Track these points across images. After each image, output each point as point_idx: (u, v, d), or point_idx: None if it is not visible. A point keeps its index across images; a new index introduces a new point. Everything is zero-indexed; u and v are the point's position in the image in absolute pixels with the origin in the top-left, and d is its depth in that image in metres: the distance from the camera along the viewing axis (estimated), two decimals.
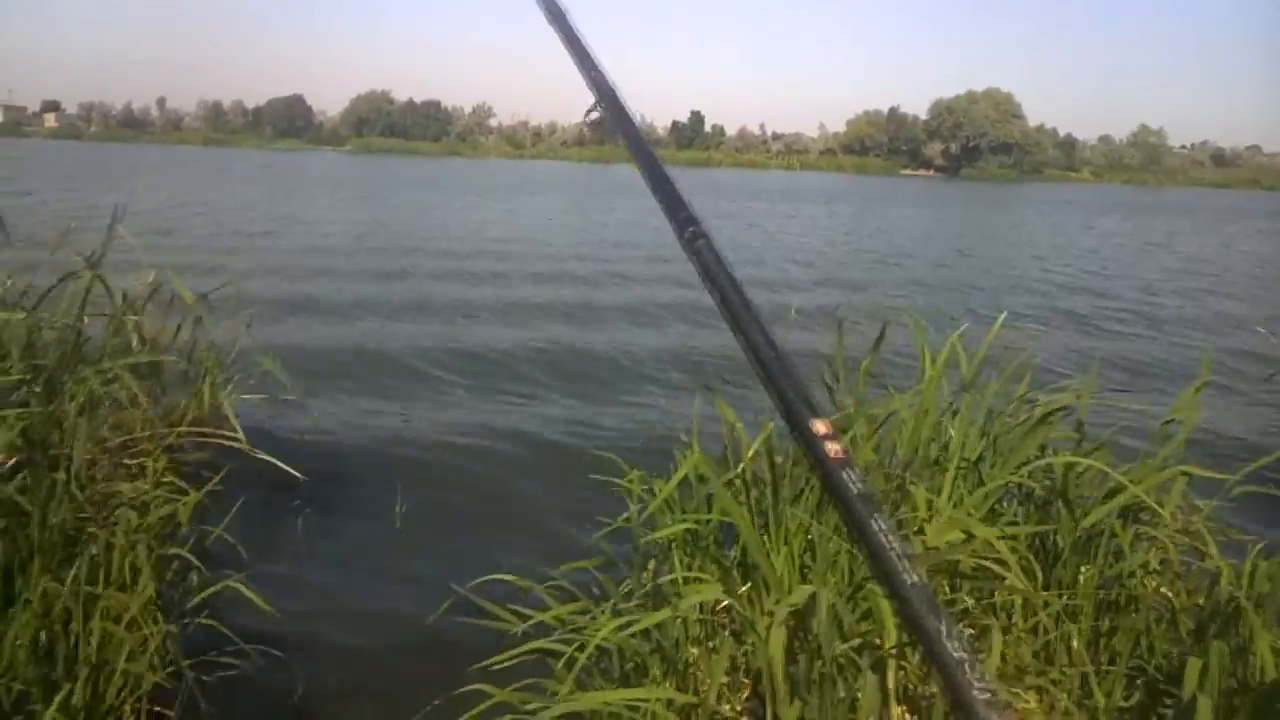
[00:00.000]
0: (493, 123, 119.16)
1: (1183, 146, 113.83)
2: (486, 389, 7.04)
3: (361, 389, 6.82)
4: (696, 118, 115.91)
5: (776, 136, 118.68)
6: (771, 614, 2.02)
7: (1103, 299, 13.86)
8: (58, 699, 2.43)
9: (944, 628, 0.60)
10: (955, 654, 0.59)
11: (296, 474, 3.72)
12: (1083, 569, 2.88)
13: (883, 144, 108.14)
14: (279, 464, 3.61)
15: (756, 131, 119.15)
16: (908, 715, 2.24)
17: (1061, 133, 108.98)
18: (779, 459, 2.75)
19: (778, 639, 1.85)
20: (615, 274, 14.47)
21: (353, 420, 5.99)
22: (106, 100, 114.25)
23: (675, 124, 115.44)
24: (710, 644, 2.42)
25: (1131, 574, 2.75)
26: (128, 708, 2.68)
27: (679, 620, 2.44)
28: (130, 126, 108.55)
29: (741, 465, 2.79)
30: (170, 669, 2.70)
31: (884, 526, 0.64)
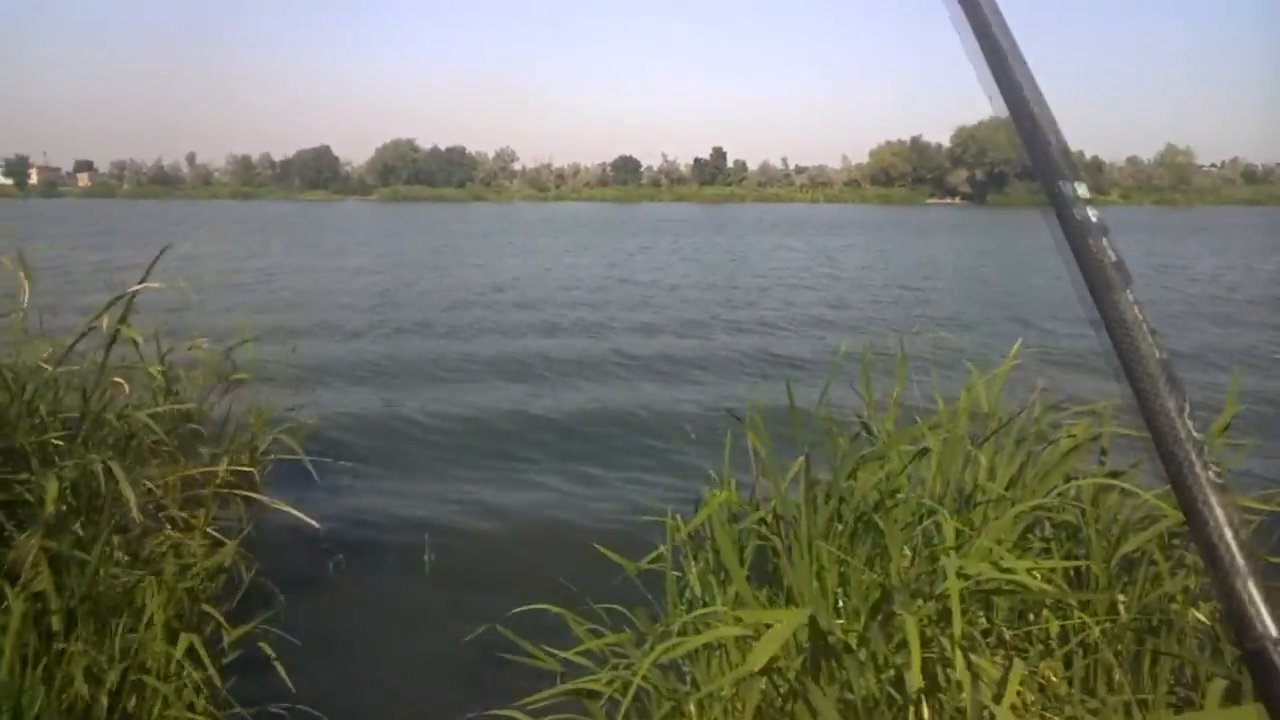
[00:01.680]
0: (516, 166, 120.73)
1: (1212, 164, 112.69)
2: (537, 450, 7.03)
3: (402, 454, 6.81)
4: (718, 153, 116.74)
5: (800, 169, 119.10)
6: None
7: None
8: None
9: (1185, 405, 0.57)
10: (1193, 433, 0.57)
11: (316, 524, 3.77)
12: (1121, 596, 2.86)
13: (907, 174, 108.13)
14: (307, 519, 3.67)
15: (779, 165, 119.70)
16: None
17: (1088, 155, 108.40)
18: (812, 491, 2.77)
19: (762, 651, 1.84)
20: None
21: (385, 480, 6.03)
22: (137, 158, 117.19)
23: (697, 160, 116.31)
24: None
25: (1171, 599, 2.72)
26: None
27: (713, 655, 2.46)
28: (161, 183, 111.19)
29: (773, 501, 2.81)
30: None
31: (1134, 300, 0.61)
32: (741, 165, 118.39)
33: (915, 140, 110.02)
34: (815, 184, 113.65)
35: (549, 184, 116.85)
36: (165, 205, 75.22)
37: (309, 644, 3.27)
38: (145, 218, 49.81)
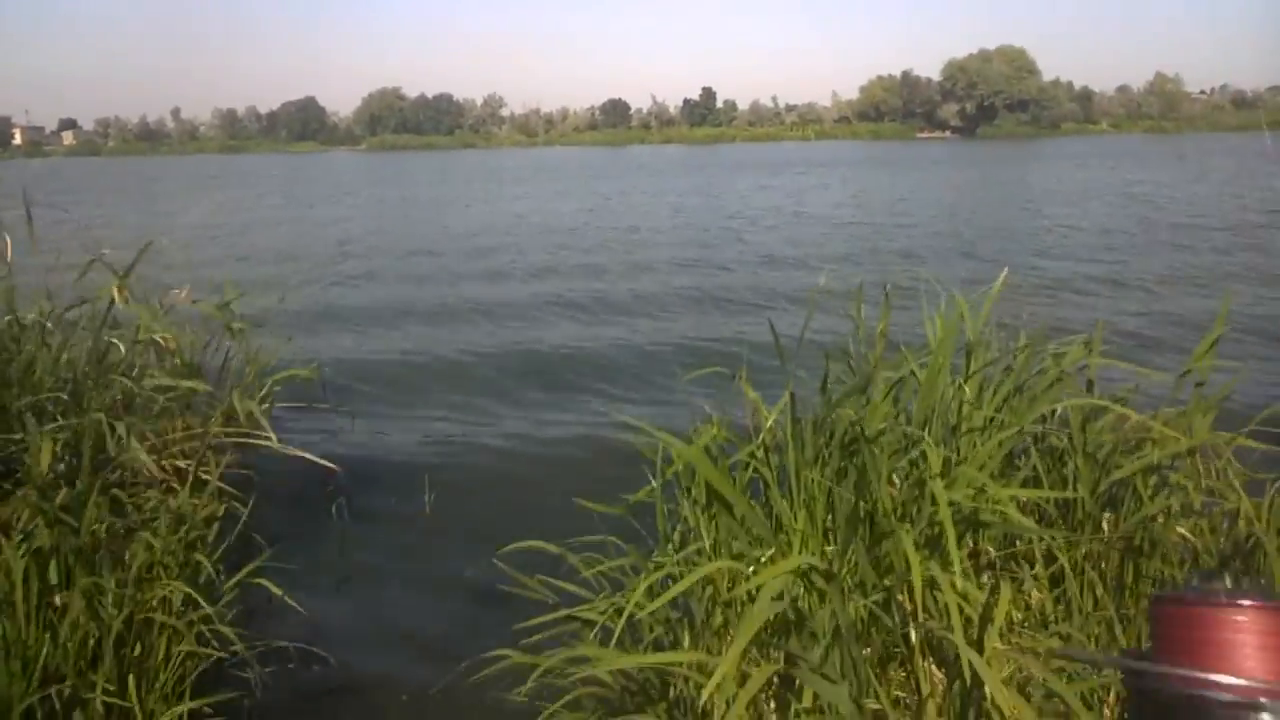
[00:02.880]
0: (504, 112, 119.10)
1: (1202, 92, 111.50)
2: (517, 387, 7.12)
3: (398, 393, 6.90)
4: (708, 94, 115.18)
5: (790, 108, 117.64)
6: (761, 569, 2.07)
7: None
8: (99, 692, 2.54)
9: None
10: None
11: (331, 466, 3.82)
12: (1105, 516, 2.91)
13: (897, 108, 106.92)
14: (311, 458, 3.71)
15: (769, 104, 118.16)
16: (933, 668, 2.29)
17: (1078, 85, 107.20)
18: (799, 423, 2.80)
19: (765, 598, 1.88)
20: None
21: (383, 418, 6.11)
22: (122, 114, 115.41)
23: (687, 101, 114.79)
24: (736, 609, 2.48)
25: (1153, 519, 2.77)
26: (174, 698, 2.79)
27: (706, 590, 2.51)
28: (147, 139, 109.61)
29: (762, 433, 2.85)
30: (214, 657, 2.81)
31: None
32: (731, 105, 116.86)
33: (905, 74, 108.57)
34: (805, 121, 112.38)
35: (538, 129, 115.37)
36: (151, 161, 74.18)
37: (311, 583, 3.34)
38: (130, 175, 49.14)
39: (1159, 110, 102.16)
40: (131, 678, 2.60)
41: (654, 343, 8.43)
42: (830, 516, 2.76)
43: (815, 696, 2.04)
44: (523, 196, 29.29)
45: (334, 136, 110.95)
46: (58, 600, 2.75)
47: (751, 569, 2.49)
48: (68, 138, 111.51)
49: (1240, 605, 0.67)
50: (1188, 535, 2.71)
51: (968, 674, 1.91)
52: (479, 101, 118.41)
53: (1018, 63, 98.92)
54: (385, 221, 22.41)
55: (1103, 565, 2.86)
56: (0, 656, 2.51)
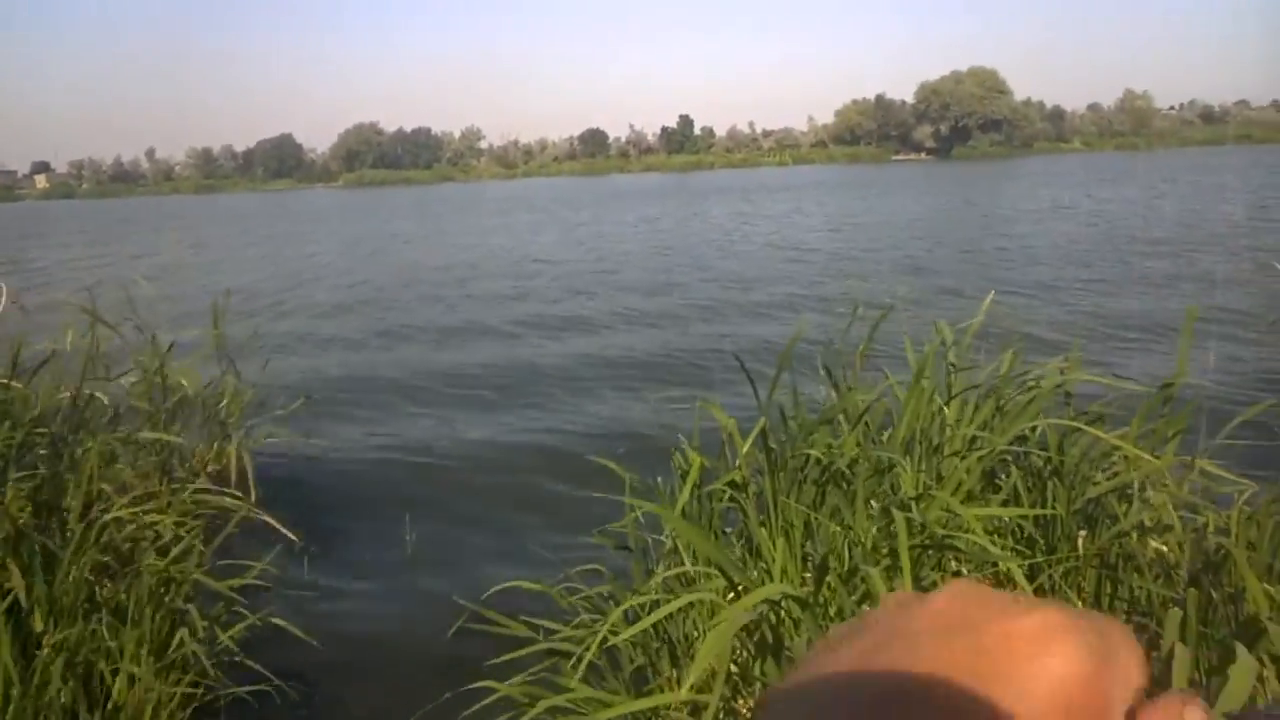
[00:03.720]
0: (483, 145, 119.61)
1: (1171, 107, 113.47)
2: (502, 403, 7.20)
3: (377, 413, 6.96)
4: (685, 121, 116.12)
5: (767, 133, 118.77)
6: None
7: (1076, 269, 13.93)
8: None
9: None
10: None
11: (295, 538, 3.80)
12: (1081, 534, 2.94)
13: (873, 131, 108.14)
14: (279, 526, 3.70)
15: (746, 130, 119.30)
16: None
17: (1049, 104, 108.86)
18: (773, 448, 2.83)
19: (727, 627, 1.88)
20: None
21: (363, 440, 6.17)
22: (96, 156, 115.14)
23: (665, 129, 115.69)
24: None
25: (1126, 535, 2.80)
26: None
27: (687, 617, 2.51)
28: (122, 180, 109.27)
29: (739, 461, 2.86)
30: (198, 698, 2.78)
31: None
32: (709, 132, 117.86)
33: (879, 98, 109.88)
34: (783, 147, 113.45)
35: (517, 161, 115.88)
36: (127, 203, 73.89)
37: (294, 619, 3.32)
38: (104, 217, 48.90)
39: (1130, 127, 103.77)
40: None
41: (628, 358, 8.57)
42: (807, 544, 2.78)
43: None
44: (497, 229, 29.41)
45: (311, 173, 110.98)
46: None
47: (730, 596, 2.50)
48: (41, 180, 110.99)
49: None
50: (1162, 549, 2.74)
51: None
52: (457, 134, 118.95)
53: (989, 83, 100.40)
54: (356, 257, 22.45)
55: (1080, 582, 2.89)
56: None
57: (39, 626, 2.78)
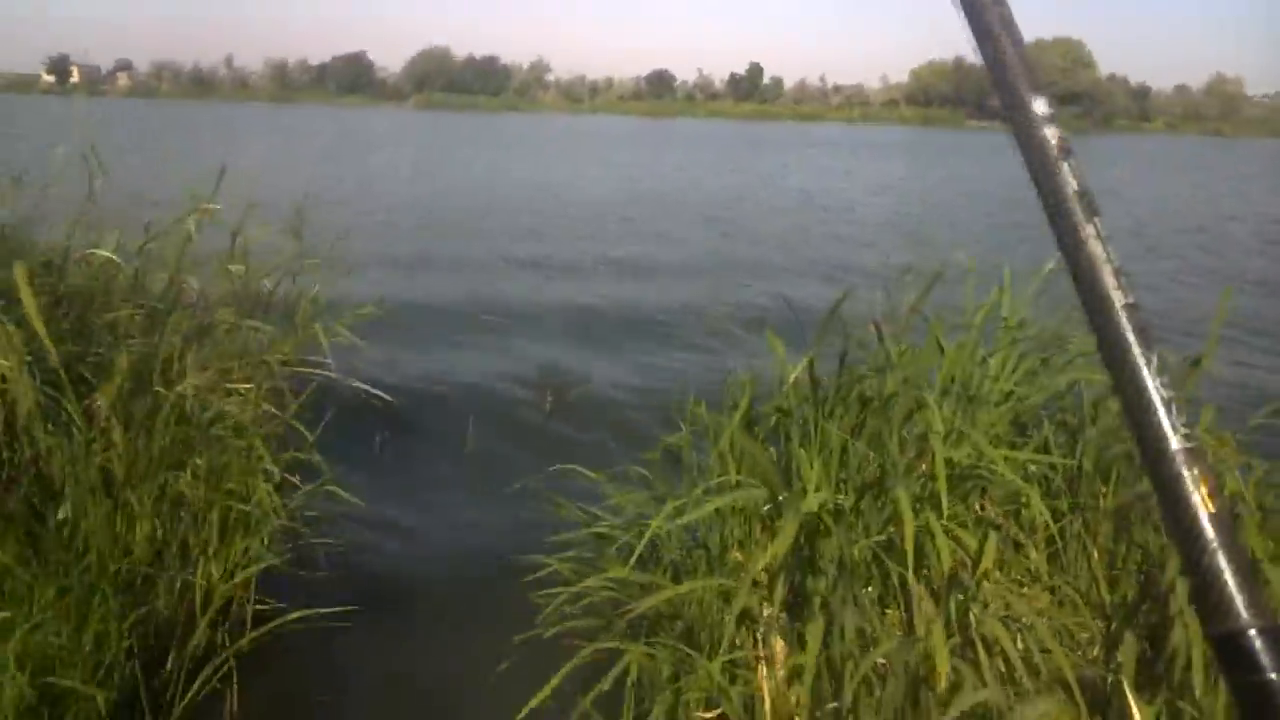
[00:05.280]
0: (550, 78, 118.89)
1: (1264, 95, 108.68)
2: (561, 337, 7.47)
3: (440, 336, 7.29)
4: (755, 70, 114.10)
5: (837, 89, 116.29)
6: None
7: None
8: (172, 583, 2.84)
9: (1154, 359, 0.52)
10: (1163, 391, 0.51)
11: (384, 395, 4.11)
12: (1103, 490, 3.11)
13: (948, 95, 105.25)
14: (362, 385, 4.01)
15: (816, 83, 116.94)
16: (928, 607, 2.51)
17: (1134, 82, 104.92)
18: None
19: (789, 530, 2.10)
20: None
21: (433, 358, 6.50)
22: (176, 60, 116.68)
23: (733, 76, 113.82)
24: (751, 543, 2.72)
25: (1146, 495, 2.96)
26: (237, 596, 3.11)
27: (726, 525, 2.75)
28: (200, 85, 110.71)
29: (786, 388, 3.08)
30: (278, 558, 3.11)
31: (1099, 235, 0.54)
32: (778, 82, 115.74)
33: (958, 61, 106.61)
34: (852, 103, 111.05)
35: (582, 96, 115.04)
36: (204, 107, 74.93)
37: (364, 495, 3.66)
38: (188, 120, 49.57)
39: (1217, 112, 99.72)
40: (201, 563, 2.91)
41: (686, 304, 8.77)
42: (841, 471, 2.99)
43: (823, 628, 2.27)
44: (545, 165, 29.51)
45: (381, 92, 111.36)
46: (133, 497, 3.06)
47: (768, 507, 2.73)
48: (123, 79, 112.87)
49: None
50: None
51: (952, 606, 2.14)
52: (525, 66, 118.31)
53: (1073, 55, 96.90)
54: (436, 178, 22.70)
55: (1098, 534, 3.06)
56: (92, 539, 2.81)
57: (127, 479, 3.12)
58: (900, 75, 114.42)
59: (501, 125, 59.76)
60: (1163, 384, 0.51)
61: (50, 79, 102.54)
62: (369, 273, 9.59)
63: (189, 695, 2.74)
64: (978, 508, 3.07)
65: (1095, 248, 0.54)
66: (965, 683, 1.81)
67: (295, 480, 3.51)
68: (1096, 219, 0.55)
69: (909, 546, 2.40)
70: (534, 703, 2.12)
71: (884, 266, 10.57)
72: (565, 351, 7.02)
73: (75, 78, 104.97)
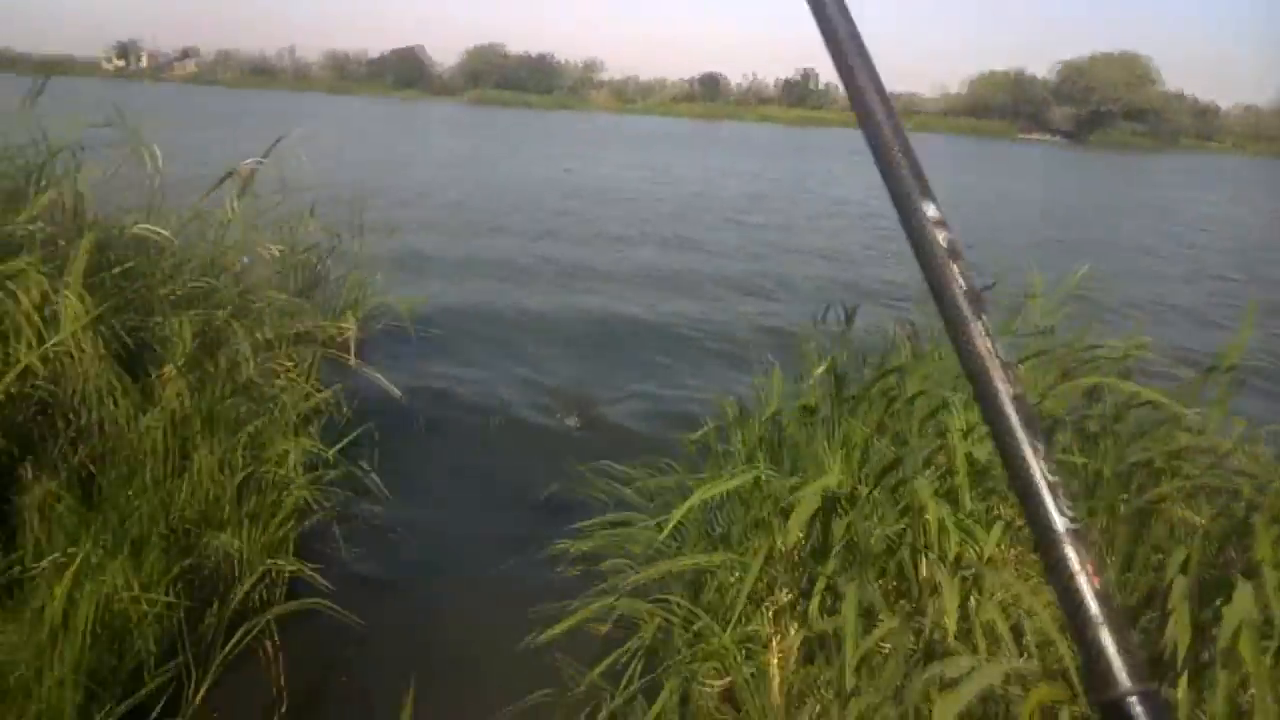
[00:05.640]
0: (602, 77, 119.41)
1: None
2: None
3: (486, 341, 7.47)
4: (808, 75, 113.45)
5: (891, 95, 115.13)
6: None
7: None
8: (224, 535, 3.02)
9: (1041, 448, 0.54)
10: (1049, 477, 0.54)
11: (396, 391, 4.30)
12: (1122, 496, 3.15)
13: (1005, 106, 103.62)
14: (384, 382, 4.20)
15: None
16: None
17: (1202, 100, 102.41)
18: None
19: (803, 511, 2.20)
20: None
21: (470, 354, 6.67)
22: (239, 48, 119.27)
23: (786, 81, 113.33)
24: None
25: (1163, 499, 3.00)
26: (276, 557, 3.28)
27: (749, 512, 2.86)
28: (262, 73, 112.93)
29: (810, 384, 3.18)
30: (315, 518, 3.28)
31: (988, 332, 0.57)
32: (831, 87, 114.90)
33: (1017, 73, 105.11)
34: (905, 111, 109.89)
35: (634, 97, 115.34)
36: (265, 95, 76.40)
37: (393, 480, 3.82)
38: (253, 107, 50.59)
39: None
40: (245, 524, 3.09)
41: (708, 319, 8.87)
42: (864, 467, 3.07)
43: (830, 608, 2.37)
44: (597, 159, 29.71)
45: (435, 86, 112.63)
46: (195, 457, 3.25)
47: (788, 498, 2.82)
48: (188, 66, 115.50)
49: None
50: (1190, 516, 2.93)
51: (952, 589, 2.21)
52: (579, 64, 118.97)
53: (1137, 70, 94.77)
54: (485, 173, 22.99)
55: (1115, 537, 3.10)
56: (144, 498, 3.00)
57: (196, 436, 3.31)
58: (956, 86, 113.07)
59: (550, 123, 60.14)
60: (1048, 470, 0.54)
61: (119, 63, 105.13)
62: (411, 264, 9.84)
63: (228, 647, 2.91)
64: (998, 511, 3.13)
65: (983, 345, 0.56)
66: (960, 659, 1.89)
67: (329, 454, 3.68)
68: (984, 317, 0.57)
69: (931, 518, 2.45)
70: (562, 627, 2.24)
71: (914, 279, 10.49)
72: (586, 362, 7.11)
73: (144, 63, 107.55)
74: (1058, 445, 3.33)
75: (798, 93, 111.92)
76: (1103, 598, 0.51)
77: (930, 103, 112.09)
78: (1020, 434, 0.55)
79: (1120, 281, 11.27)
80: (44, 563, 2.61)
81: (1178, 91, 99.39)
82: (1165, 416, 3.24)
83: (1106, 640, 0.50)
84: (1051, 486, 0.54)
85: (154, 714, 2.48)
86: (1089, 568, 0.52)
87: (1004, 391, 0.56)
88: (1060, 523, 0.53)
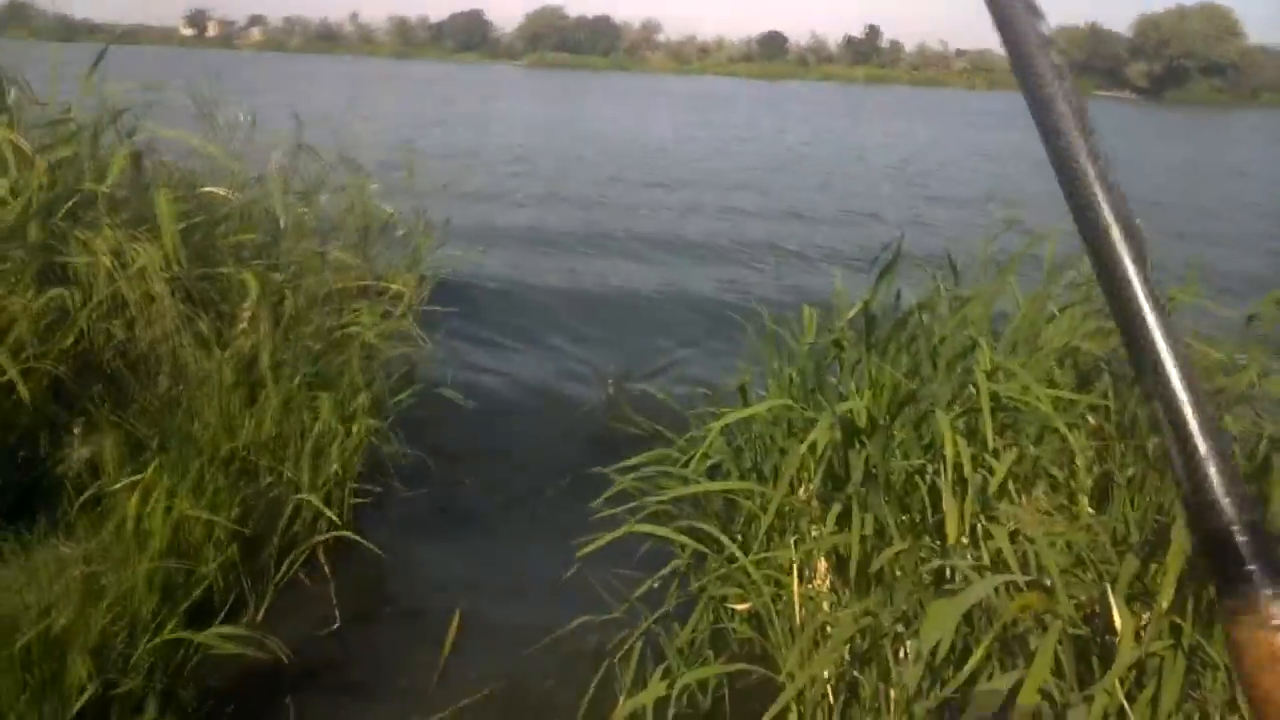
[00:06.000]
0: (660, 38, 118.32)
1: None
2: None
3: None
4: (872, 31, 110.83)
5: (960, 53, 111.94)
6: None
7: None
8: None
9: (1141, 244, 0.50)
10: (1149, 276, 0.50)
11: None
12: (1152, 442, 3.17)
13: (1079, 63, 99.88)
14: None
15: (937, 47, 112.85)
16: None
17: None
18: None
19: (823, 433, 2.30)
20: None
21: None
22: (305, 14, 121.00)
23: (848, 38, 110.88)
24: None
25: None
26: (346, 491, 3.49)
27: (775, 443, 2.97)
28: (327, 39, 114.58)
29: (840, 324, 3.25)
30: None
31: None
32: (896, 46, 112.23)
33: (1093, 27, 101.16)
34: (976, 69, 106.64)
35: (691, 57, 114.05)
36: (332, 60, 77.46)
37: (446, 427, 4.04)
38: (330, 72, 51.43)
39: None
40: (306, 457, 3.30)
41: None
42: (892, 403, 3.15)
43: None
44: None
45: (495, 50, 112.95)
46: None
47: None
48: (256, 33, 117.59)
49: None
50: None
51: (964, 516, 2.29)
52: (636, 25, 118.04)
53: (1219, 22, 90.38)
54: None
55: (1144, 482, 3.14)
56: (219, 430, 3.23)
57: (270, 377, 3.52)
58: None
59: (605, 85, 59.91)
60: (1149, 268, 0.50)
61: (189, 32, 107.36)
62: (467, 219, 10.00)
63: (285, 568, 3.13)
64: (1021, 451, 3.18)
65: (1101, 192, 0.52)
66: (962, 562, 1.97)
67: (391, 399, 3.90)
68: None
69: (949, 450, 2.51)
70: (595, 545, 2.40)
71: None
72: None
73: (211, 31, 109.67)
74: (1097, 390, 3.36)
75: (862, 51, 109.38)
76: (1206, 417, 0.48)
77: (1002, 61, 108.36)
78: (1101, 198, 0.51)
79: (1180, 244, 10.94)
80: (120, 484, 2.84)
81: (1259, 44, 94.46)
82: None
83: (1212, 465, 0.48)
84: (1150, 288, 0.50)
85: (217, 620, 2.69)
86: (1193, 382, 0.49)
87: (1075, 146, 0.53)
88: (1159, 324, 0.49)
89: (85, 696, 2.07)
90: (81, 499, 2.84)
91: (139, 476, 2.77)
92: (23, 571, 2.42)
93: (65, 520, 2.81)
